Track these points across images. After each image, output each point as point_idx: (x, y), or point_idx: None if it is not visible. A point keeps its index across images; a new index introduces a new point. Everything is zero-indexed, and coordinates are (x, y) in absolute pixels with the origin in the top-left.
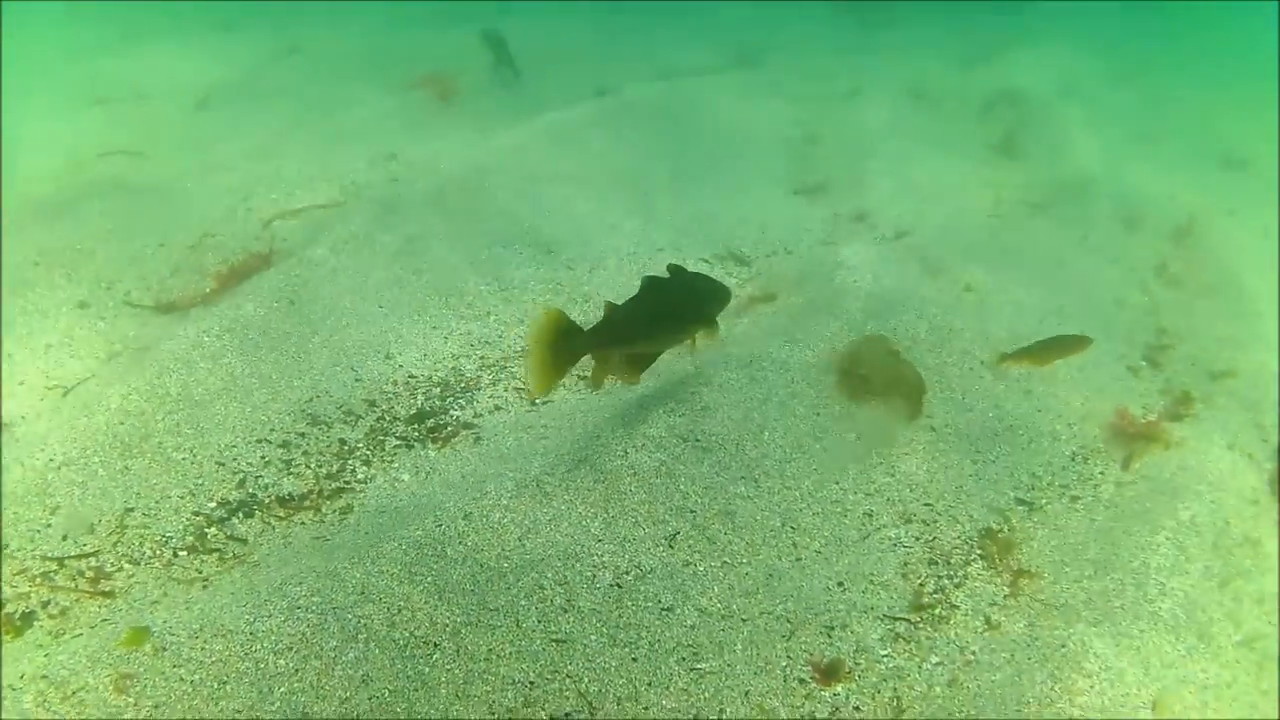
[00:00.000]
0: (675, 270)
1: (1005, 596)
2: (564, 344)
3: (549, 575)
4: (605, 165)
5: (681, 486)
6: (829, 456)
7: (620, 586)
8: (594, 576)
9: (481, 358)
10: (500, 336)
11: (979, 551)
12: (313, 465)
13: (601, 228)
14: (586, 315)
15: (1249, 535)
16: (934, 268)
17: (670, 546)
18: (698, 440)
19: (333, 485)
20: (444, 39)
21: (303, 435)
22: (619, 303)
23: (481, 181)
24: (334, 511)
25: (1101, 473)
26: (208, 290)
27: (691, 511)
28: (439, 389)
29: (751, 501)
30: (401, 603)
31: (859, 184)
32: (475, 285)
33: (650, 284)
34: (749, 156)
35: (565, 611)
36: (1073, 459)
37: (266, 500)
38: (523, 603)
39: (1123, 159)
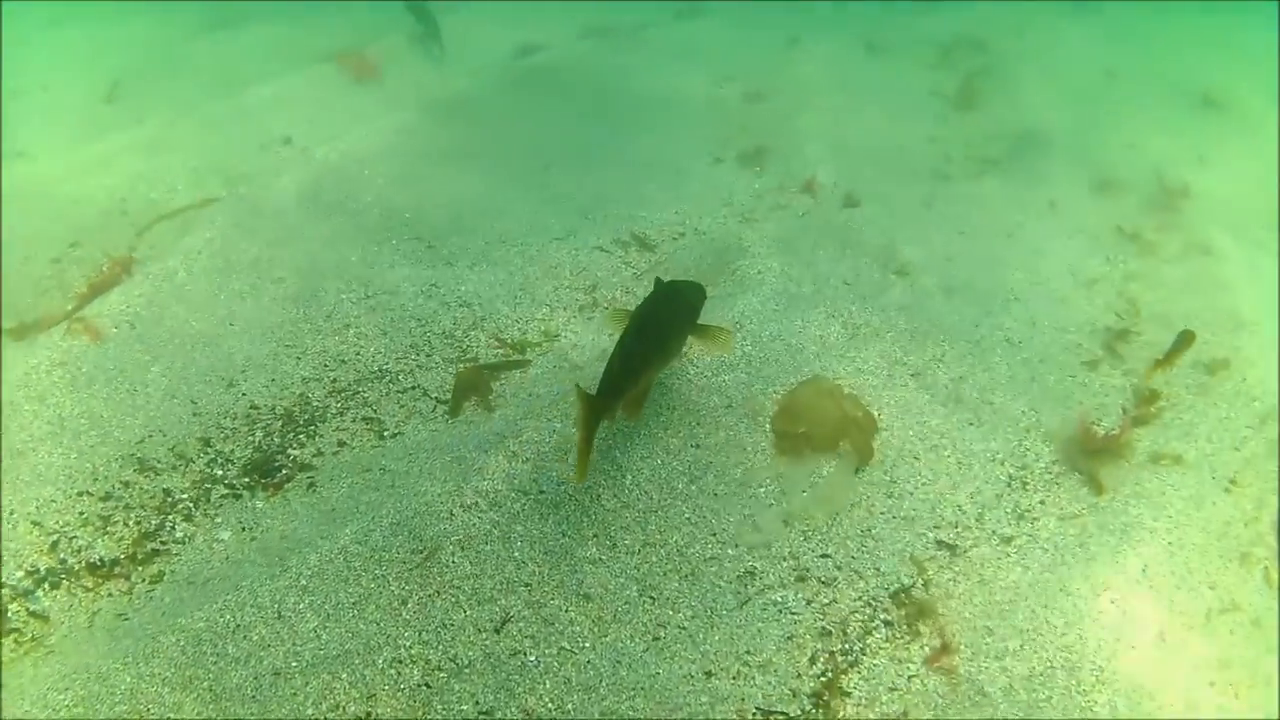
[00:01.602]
0: (657, 285)
1: (910, 678)
2: (593, 421)
3: (344, 675)
4: (507, 139)
5: (517, 554)
6: (709, 499)
7: (430, 686)
8: (399, 675)
9: (333, 381)
10: (358, 354)
11: (884, 617)
12: (132, 522)
13: (490, 213)
14: (457, 324)
15: (1219, 587)
16: (862, 247)
17: (496, 632)
18: (542, 493)
19: (149, 547)
20: (377, 7)
21: (127, 485)
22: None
23: (361, 169)
24: (144, 580)
25: (1042, 503)
26: (69, 309)
27: (526, 585)
28: (281, 422)
29: (604, 566)
30: (172, 713)
31: (792, 146)
32: (337, 293)
33: (642, 308)
34: (676, 121)
35: None
36: (1009, 485)
37: (77, 567)
38: (310, 712)
39: (1088, 102)
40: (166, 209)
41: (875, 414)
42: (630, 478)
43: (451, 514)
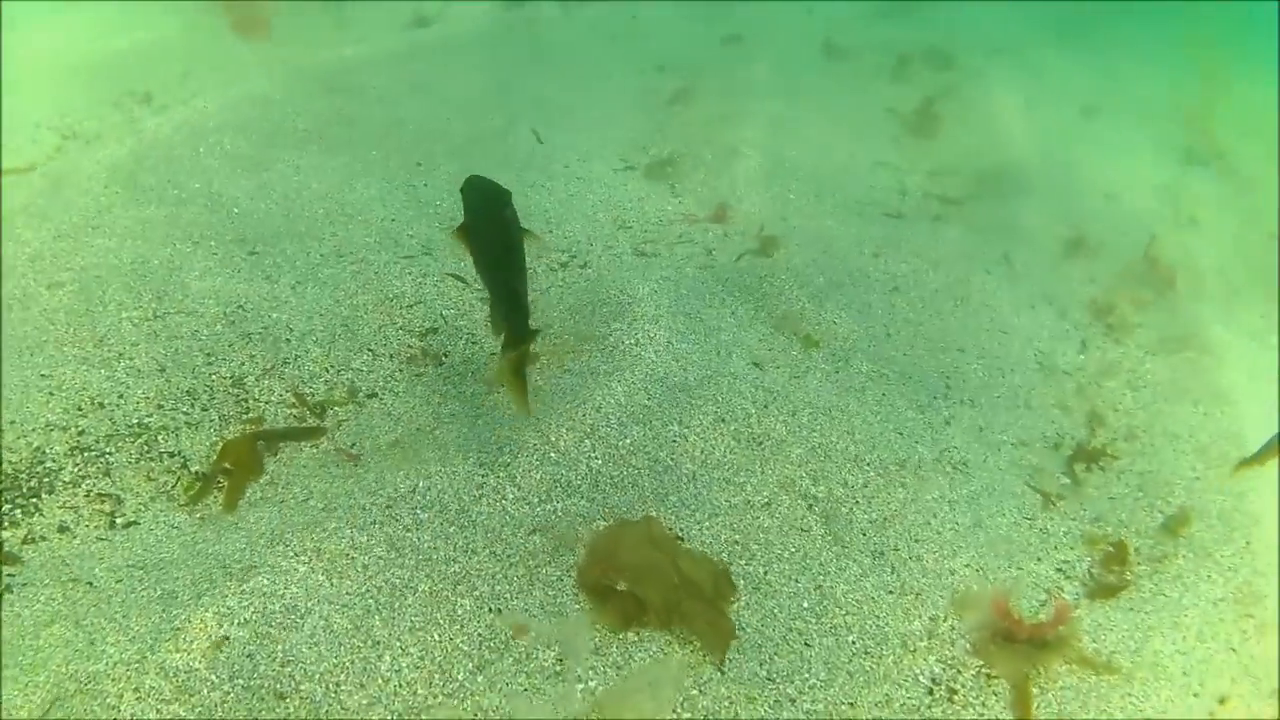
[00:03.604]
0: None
1: None
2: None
3: None
4: (384, 123)
5: None
6: (497, 697)
7: None
8: None
9: (80, 432)
10: (121, 398)
11: None
12: None
13: (338, 215)
14: (251, 367)
15: None
16: (782, 309)
17: None
18: (259, 674)
19: None
20: None
21: None
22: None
23: (197, 146)
24: None
25: None
26: None
27: None
28: (2, 485)
29: None
30: None
31: (719, 159)
32: (119, 309)
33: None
34: (587, 114)
35: None
36: (931, 693)
37: None
38: None
39: (1064, 145)
40: None
41: (735, 575)
42: (389, 660)
43: (120, 700)
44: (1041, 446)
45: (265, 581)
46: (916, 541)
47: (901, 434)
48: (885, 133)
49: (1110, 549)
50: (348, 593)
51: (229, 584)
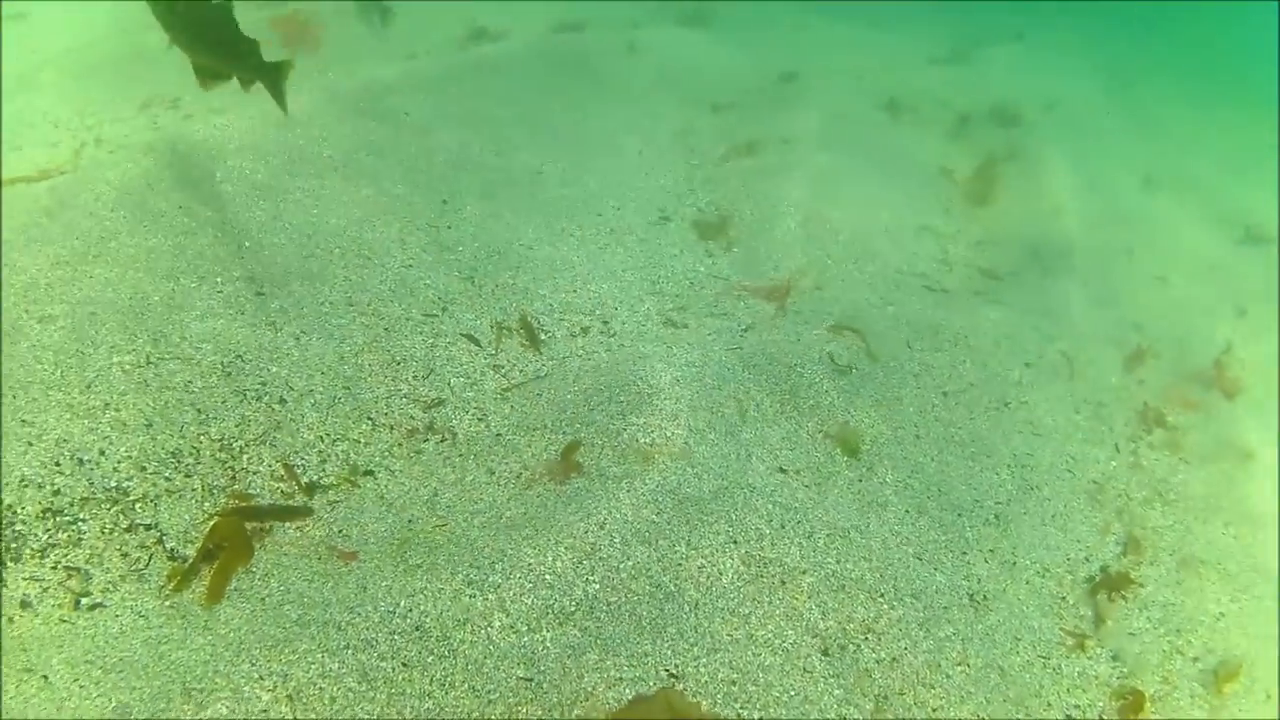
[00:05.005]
0: None
1: None
2: None
3: None
4: (415, 152)
5: None
6: None
7: None
8: None
9: (55, 492)
10: (102, 454)
11: None
12: None
13: (355, 255)
14: (244, 429)
15: None
16: (811, 404)
17: None
18: None
19: None
20: None
21: None
22: None
23: (214, 167)
24: None
25: None
26: None
27: None
28: None
29: None
30: None
31: (762, 218)
32: (110, 351)
33: None
34: (631, 156)
35: None
36: None
37: None
38: None
39: (1119, 216)
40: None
41: None
42: None
43: None
44: (1064, 572)
45: (224, 710)
46: (924, 685)
47: (921, 559)
48: (936, 193)
49: (1126, 697)
50: None
51: (186, 708)
